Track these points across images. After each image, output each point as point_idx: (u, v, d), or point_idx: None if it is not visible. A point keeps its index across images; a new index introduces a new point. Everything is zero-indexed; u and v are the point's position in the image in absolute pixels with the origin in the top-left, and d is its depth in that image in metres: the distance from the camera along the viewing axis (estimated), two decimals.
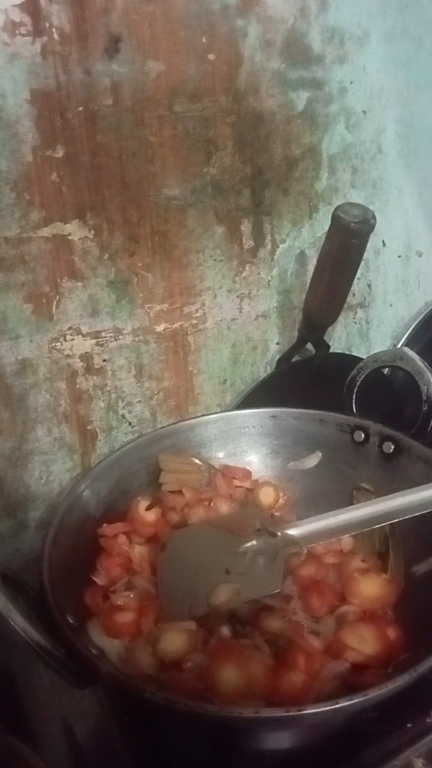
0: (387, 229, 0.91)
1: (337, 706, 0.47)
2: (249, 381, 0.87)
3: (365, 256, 0.79)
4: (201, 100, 0.71)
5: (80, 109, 0.65)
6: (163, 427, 0.78)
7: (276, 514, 0.75)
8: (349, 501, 0.72)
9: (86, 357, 0.75)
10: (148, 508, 0.71)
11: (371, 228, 0.74)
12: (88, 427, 0.78)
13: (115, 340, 0.76)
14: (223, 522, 0.68)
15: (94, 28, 0.63)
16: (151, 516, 0.71)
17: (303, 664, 0.54)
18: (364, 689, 0.48)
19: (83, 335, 0.74)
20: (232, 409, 0.85)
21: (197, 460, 0.76)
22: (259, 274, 0.83)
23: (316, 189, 0.83)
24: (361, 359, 0.78)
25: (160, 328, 0.78)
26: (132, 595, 0.63)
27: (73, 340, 0.73)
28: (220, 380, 0.85)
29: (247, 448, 0.79)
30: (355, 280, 0.83)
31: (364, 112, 0.82)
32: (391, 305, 0.97)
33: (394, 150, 0.87)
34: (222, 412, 0.83)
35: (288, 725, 0.51)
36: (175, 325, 0.79)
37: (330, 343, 0.89)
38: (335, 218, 0.74)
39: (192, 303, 0.79)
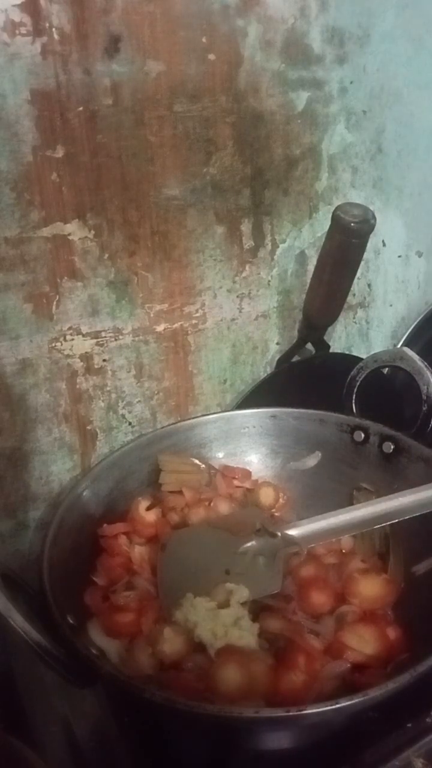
0: (387, 229, 0.91)
1: (337, 706, 0.47)
2: (249, 381, 0.87)
3: (365, 256, 0.79)
4: (201, 100, 0.71)
5: (80, 109, 0.65)
6: (163, 427, 0.78)
7: (276, 514, 0.75)
8: (349, 501, 0.72)
9: (86, 357, 0.75)
10: (148, 509, 0.71)
11: (371, 228, 0.74)
12: (88, 427, 0.78)
13: (115, 340, 0.76)
14: (223, 522, 0.68)
15: (94, 28, 0.63)
16: (151, 516, 0.71)
17: (303, 664, 0.55)
18: (364, 689, 0.48)
19: (83, 335, 0.74)
20: (232, 409, 0.85)
21: (197, 460, 0.76)
22: (259, 274, 0.83)
23: (316, 189, 0.83)
24: (361, 359, 0.78)
25: (160, 328, 0.78)
26: (132, 595, 0.63)
27: (73, 340, 0.73)
28: (220, 380, 0.85)
29: (247, 448, 0.79)
30: (355, 280, 0.83)
31: (364, 112, 0.83)
32: (391, 305, 0.97)
33: (394, 150, 0.87)
34: (222, 412, 0.83)
35: (288, 725, 0.51)
36: (175, 325, 0.79)
37: (330, 343, 0.89)
38: (335, 218, 0.74)
39: (192, 303, 0.79)
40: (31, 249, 0.68)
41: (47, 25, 0.61)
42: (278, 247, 0.83)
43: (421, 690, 0.51)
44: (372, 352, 0.78)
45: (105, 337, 0.75)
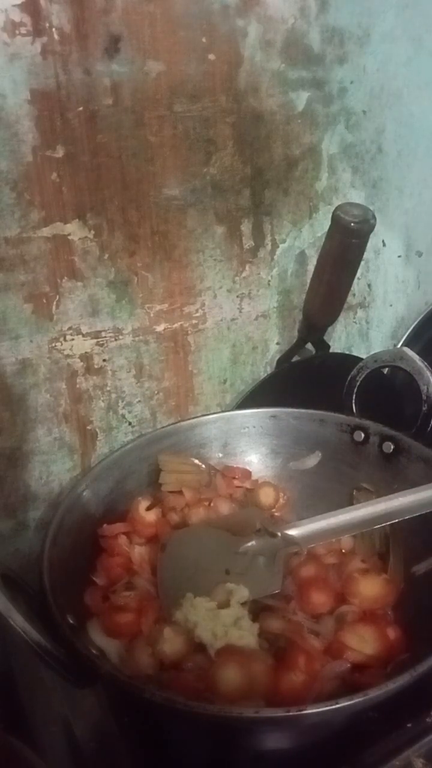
0: (387, 229, 0.91)
1: (337, 706, 0.47)
2: (249, 381, 0.87)
3: (365, 256, 0.79)
4: (201, 100, 0.71)
5: (80, 109, 0.65)
6: (163, 427, 0.78)
7: (276, 514, 0.75)
8: (349, 501, 0.72)
9: (86, 357, 0.75)
10: (148, 509, 0.71)
11: (371, 228, 0.74)
12: (88, 427, 0.78)
13: (115, 340, 0.76)
14: (223, 522, 0.68)
15: (94, 28, 0.63)
16: (151, 516, 0.71)
17: (303, 664, 0.55)
18: (364, 689, 0.48)
19: (83, 335, 0.74)
20: (232, 409, 0.85)
21: (197, 460, 0.76)
22: (259, 274, 0.83)
23: (316, 189, 0.83)
24: (361, 359, 0.78)
25: (160, 328, 0.78)
26: (132, 595, 0.63)
27: (73, 340, 0.73)
28: (220, 380, 0.85)
29: (247, 448, 0.79)
30: (355, 280, 0.83)
31: (364, 112, 0.83)
32: (391, 305, 0.97)
33: (394, 150, 0.87)
34: (222, 412, 0.83)
35: (288, 725, 0.51)
36: (175, 325, 0.79)
37: (330, 343, 0.89)
38: (335, 218, 0.74)
39: (192, 303, 0.79)
40: (31, 249, 0.68)
41: (47, 25, 0.61)
42: (278, 247, 0.83)
43: (421, 690, 0.51)
44: (372, 352, 0.78)
45: (105, 337, 0.75)
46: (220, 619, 0.57)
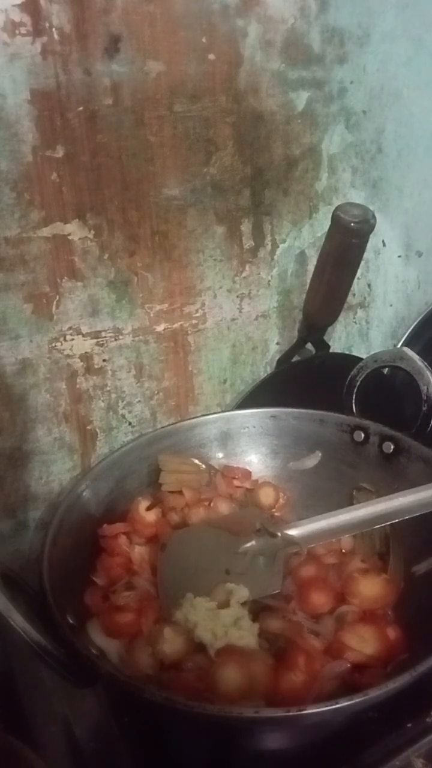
0: (387, 229, 0.91)
1: (337, 706, 0.47)
2: (249, 381, 0.87)
3: (365, 256, 0.79)
4: (201, 100, 0.71)
5: (80, 109, 0.65)
6: (163, 427, 0.78)
7: (276, 514, 0.75)
8: (349, 501, 0.72)
9: (86, 357, 0.75)
10: (148, 509, 0.71)
11: (371, 228, 0.74)
12: (88, 427, 0.78)
13: (115, 340, 0.76)
14: (223, 522, 0.68)
15: (94, 28, 0.63)
16: (151, 516, 0.71)
17: (303, 664, 0.55)
18: (364, 689, 0.48)
19: (83, 335, 0.74)
20: (232, 409, 0.85)
21: (197, 460, 0.76)
22: (259, 274, 0.83)
23: (316, 189, 0.83)
24: (361, 359, 0.79)
25: (160, 328, 0.78)
26: (132, 595, 0.63)
27: (73, 340, 0.73)
28: (220, 380, 0.85)
29: (247, 448, 0.79)
30: (355, 280, 0.83)
31: (364, 112, 0.83)
32: (391, 305, 0.97)
33: (394, 150, 0.87)
34: (222, 412, 0.83)
35: (288, 725, 0.51)
36: (175, 325, 0.79)
37: (330, 343, 0.89)
38: (335, 218, 0.74)
39: (192, 303, 0.79)
40: (31, 249, 0.68)
41: (47, 25, 0.61)
42: (278, 247, 0.83)
43: (421, 690, 0.51)
44: (372, 352, 0.78)
45: (105, 337, 0.75)
46: (220, 619, 0.57)
